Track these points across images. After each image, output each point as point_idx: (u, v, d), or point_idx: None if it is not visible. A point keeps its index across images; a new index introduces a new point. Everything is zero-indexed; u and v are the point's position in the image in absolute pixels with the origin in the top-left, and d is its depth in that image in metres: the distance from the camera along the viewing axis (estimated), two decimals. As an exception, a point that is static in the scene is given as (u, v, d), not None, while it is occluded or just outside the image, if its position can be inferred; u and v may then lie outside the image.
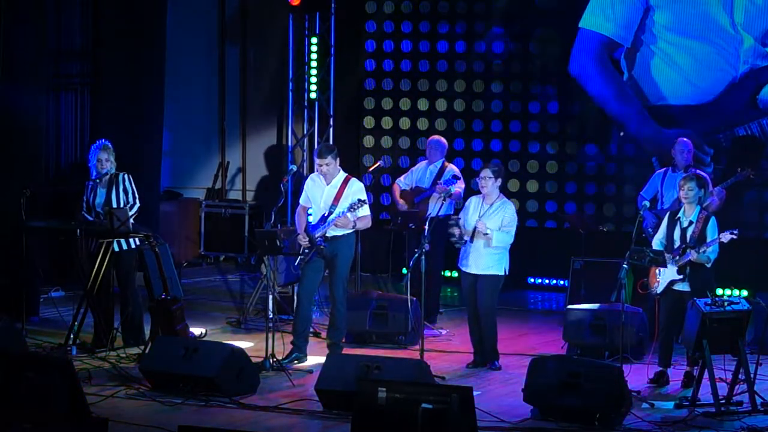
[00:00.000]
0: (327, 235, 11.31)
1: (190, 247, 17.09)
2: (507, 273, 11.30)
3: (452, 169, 13.56)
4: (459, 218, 11.39)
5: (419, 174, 13.72)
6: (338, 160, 11.45)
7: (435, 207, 12.84)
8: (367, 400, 8.28)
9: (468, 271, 11.29)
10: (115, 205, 11.70)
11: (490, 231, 11.10)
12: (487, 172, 11.27)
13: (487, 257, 11.20)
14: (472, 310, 11.37)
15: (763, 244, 14.90)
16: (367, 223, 11.50)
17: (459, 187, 13.06)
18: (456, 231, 11.26)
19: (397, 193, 13.73)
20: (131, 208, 11.75)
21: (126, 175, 11.88)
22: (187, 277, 15.77)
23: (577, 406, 9.34)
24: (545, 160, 16.14)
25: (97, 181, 11.84)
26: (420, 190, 13.57)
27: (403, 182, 13.82)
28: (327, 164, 11.36)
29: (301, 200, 11.68)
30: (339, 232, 11.33)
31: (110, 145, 11.90)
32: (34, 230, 12.37)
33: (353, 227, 11.32)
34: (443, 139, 13.85)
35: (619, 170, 15.83)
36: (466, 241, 11.26)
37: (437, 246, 12.54)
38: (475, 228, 11.19)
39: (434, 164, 13.63)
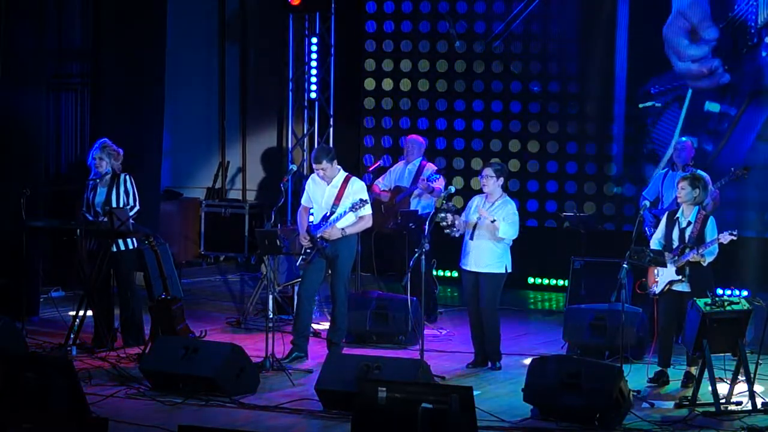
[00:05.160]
0: (328, 235, 11.35)
1: (190, 247, 17.09)
2: (509, 271, 11.29)
3: (431, 167, 13.67)
4: (450, 205, 11.35)
5: (397, 174, 13.86)
6: (335, 161, 11.45)
7: (429, 205, 12.92)
8: (367, 400, 8.29)
9: (469, 269, 11.28)
10: (114, 206, 11.71)
11: (496, 219, 11.09)
12: (488, 171, 11.29)
13: (488, 255, 11.19)
14: (473, 309, 11.35)
15: (763, 244, 14.89)
16: (367, 223, 11.51)
17: (440, 183, 13.18)
18: (449, 217, 11.19)
19: (379, 193, 13.81)
20: (131, 210, 11.76)
21: (128, 177, 11.87)
22: (187, 277, 15.77)
23: (577, 406, 9.34)
24: (545, 160, 16.15)
25: (97, 180, 11.84)
26: (400, 189, 13.66)
27: (382, 184, 13.94)
28: (323, 168, 11.37)
29: (303, 200, 11.70)
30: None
31: (110, 144, 11.89)
32: (34, 230, 12.37)
33: (342, 234, 11.31)
34: (421, 138, 14.04)
35: (619, 170, 15.82)
36: (457, 230, 11.22)
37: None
38: (475, 224, 11.18)
39: (412, 163, 13.77)
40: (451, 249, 12.33)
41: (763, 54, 14.89)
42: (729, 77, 15.05)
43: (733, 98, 15.07)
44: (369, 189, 13.95)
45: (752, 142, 15.00)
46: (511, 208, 11.29)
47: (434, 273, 13.89)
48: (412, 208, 13.45)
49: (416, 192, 13.52)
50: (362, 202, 11.29)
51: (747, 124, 15.02)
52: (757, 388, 10.01)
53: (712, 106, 15.21)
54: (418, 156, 13.82)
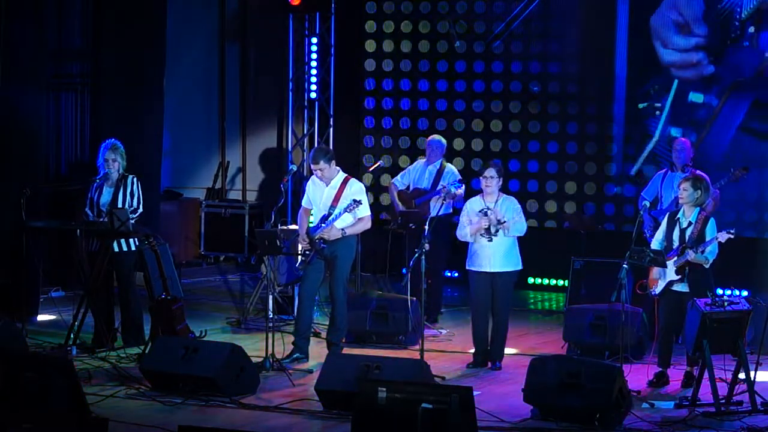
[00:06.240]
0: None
1: (190, 247, 17.09)
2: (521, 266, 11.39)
3: (452, 169, 13.55)
4: (488, 209, 11.33)
5: (417, 174, 13.69)
6: (333, 162, 11.43)
7: (435, 207, 12.84)
8: (367, 400, 8.29)
9: (484, 270, 11.26)
10: (120, 207, 11.72)
11: (507, 219, 11.14)
12: (491, 171, 11.30)
13: (507, 254, 11.24)
14: (483, 310, 11.34)
15: (763, 244, 14.89)
16: (366, 224, 11.49)
17: (462, 191, 13.09)
18: (487, 222, 11.22)
19: (396, 194, 13.70)
20: (134, 212, 11.77)
21: (135, 179, 11.89)
22: (187, 277, 15.77)
23: (577, 406, 9.34)
24: (545, 160, 16.15)
25: (99, 180, 11.84)
26: (420, 191, 13.53)
27: (400, 182, 13.78)
28: (321, 169, 11.36)
29: (303, 202, 11.70)
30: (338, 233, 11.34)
31: (120, 146, 11.92)
32: (34, 230, 12.37)
33: (342, 235, 11.30)
34: (443, 139, 13.84)
35: (619, 170, 15.83)
36: (496, 230, 11.23)
37: (439, 245, 12.54)
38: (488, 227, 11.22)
39: (434, 164, 13.61)
40: (453, 249, 12.35)
41: (745, 44, 14.91)
42: (713, 68, 15.08)
43: (716, 89, 15.11)
44: (385, 188, 13.89)
45: (734, 132, 15.02)
46: (515, 204, 11.38)
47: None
48: (431, 211, 13.28)
49: (437, 197, 13.29)
50: (356, 203, 11.25)
51: (729, 115, 15.04)
52: (758, 387, 10.00)
53: (696, 97, 15.23)
54: (440, 157, 13.62)
